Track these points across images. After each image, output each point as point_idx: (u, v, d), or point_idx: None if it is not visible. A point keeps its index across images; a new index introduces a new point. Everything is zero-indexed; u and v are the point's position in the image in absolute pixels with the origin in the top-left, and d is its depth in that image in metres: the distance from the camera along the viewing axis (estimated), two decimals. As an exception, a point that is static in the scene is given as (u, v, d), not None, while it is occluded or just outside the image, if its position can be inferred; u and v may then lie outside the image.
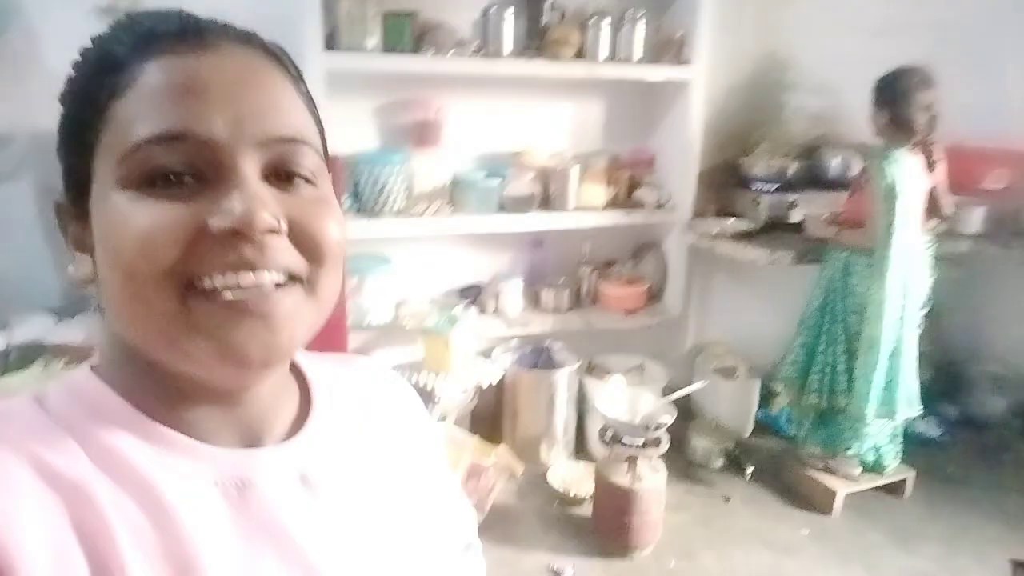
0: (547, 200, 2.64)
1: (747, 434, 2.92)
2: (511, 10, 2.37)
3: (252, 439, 0.47)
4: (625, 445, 2.22)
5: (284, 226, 0.40)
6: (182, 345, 0.40)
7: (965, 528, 2.48)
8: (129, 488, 0.39)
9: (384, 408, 0.57)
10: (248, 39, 0.43)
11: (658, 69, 2.59)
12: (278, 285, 0.41)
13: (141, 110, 0.39)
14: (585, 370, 2.82)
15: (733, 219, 2.79)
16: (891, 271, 2.24)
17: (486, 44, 2.39)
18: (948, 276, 2.87)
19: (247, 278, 0.39)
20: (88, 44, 0.43)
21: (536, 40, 2.48)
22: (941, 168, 2.36)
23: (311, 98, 0.47)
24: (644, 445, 2.22)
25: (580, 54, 2.51)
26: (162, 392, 0.43)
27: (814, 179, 2.89)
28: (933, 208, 2.38)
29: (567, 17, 2.54)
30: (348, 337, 2.18)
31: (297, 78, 0.46)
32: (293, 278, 0.42)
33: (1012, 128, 2.92)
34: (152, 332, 0.40)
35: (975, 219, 2.83)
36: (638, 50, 2.55)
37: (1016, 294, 3.12)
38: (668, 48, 2.62)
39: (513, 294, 2.70)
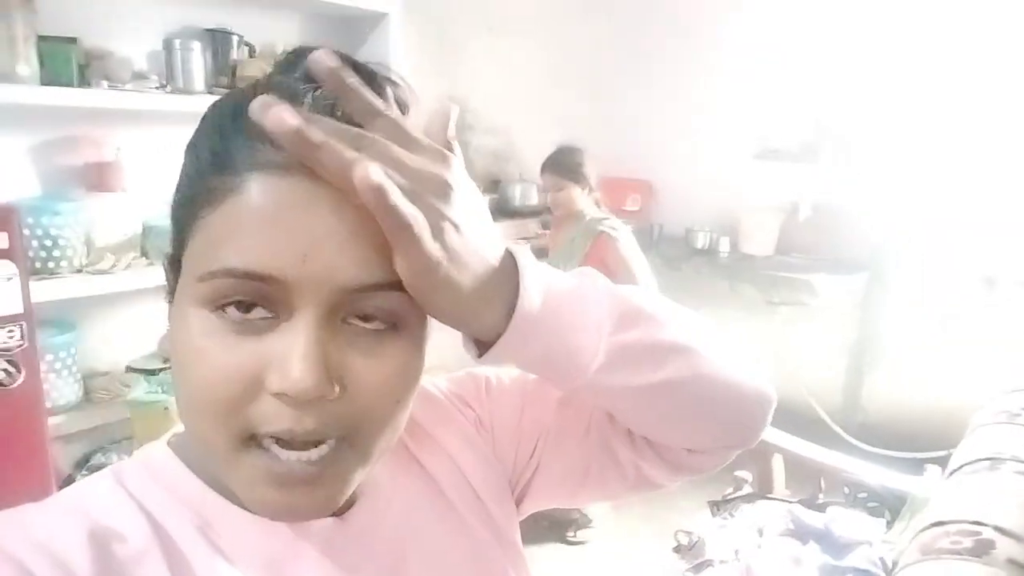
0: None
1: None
2: (197, 44, 2.21)
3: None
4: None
5: (337, 390, 0.37)
6: (234, 483, 0.40)
7: (657, 493, 2.98)
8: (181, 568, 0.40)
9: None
10: None
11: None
12: (325, 445, 0.39)
13: (233, 231, 0.36)
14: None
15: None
16: None
17: (172, 79, 2.19)
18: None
19: (293, 451, 0.38)
20: (221, 103, 0.41)
21: (227, 76, 2.35)
22: None
23: None
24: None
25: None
26: None
27: (500, 209, 3.24)
28: None
29: (257, 54, 2.46)
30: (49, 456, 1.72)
31: None
32: (343, 439, 0.39)
33: (637, 163, 3.67)
34: (209, 453, 0.40)
35: (622, 235, 3.47)
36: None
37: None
38: (363, 89, 2.71)
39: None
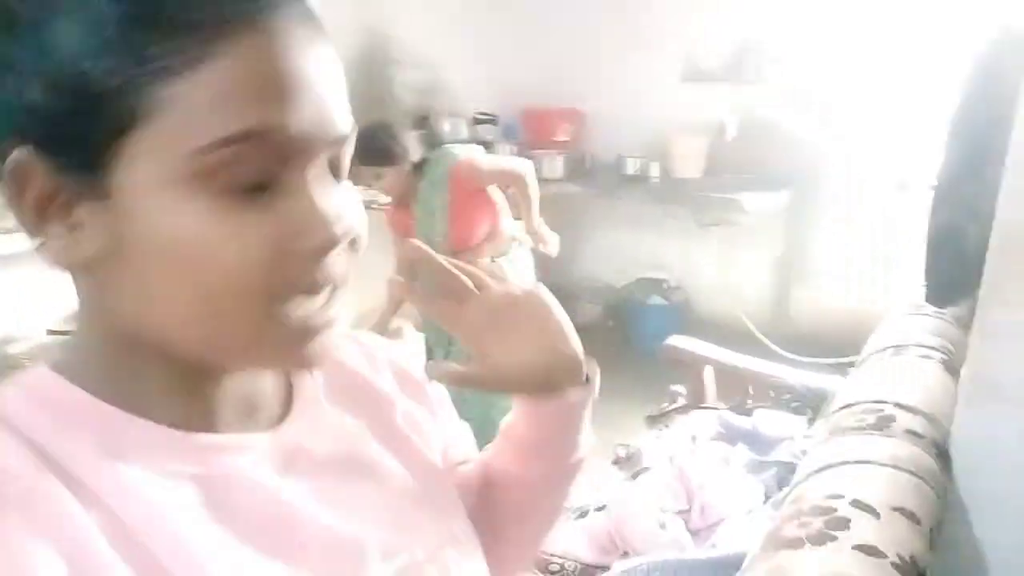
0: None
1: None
2: None
3: (245, 422, 0.43)
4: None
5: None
6: (251, 356, 0.39)
7: (599, 411, 3.01)
8: (96, 494, 0.35)
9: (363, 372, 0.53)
10: (310, 12, 0.37)
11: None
12: (327, 291, 0.39)
13: (216, 100, 0.32)
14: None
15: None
16: None
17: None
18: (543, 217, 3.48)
19: (321, 299, 0.38)
20: None
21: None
22: None
23: None
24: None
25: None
26: (158, 383, 0.40)
27: (431, 144, 3.18)
28: None
29: None
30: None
31: None
32: (335, 286, 0.40)
33: (566, 91, 3.63)
34: (217, 343, 0.37)
35: (557, 167, 3.47)
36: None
37: (590, 223, 3.93)
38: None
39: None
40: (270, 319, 0.36)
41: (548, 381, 0.51)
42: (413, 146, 2.19)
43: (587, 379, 0.54)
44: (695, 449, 1.79)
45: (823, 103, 3.08)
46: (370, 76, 3.09)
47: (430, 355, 2.52)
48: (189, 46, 0.32)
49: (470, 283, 0.51)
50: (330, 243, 0.36)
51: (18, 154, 0.33)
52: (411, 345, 2.96)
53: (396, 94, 3.20)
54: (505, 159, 2.24)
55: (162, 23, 0.32)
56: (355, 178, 1.71)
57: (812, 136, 3.14)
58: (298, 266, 0.36)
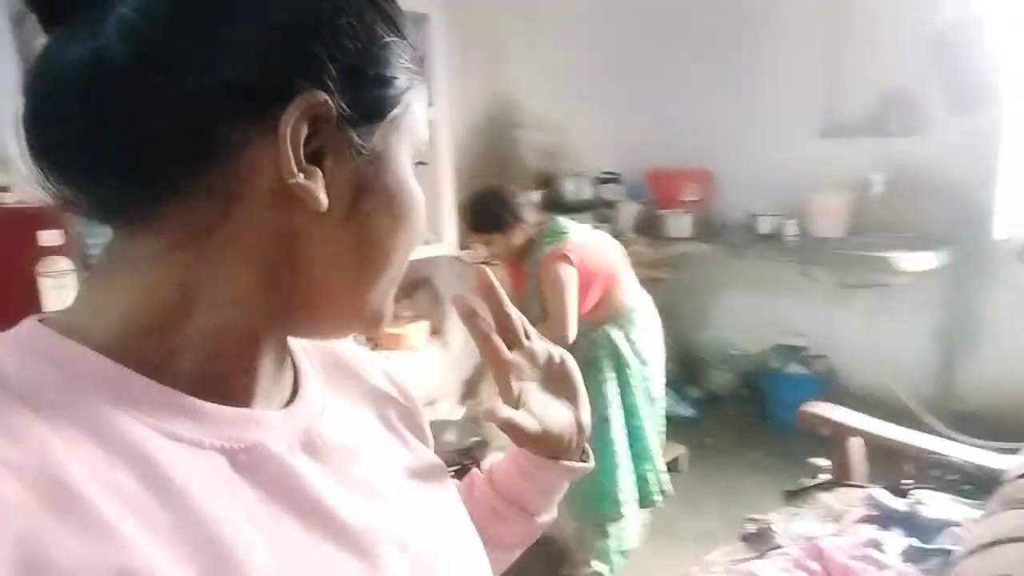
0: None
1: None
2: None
3: (266, 401, 0.42)
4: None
5: None
6: (356, 325, 0.43)
7: (733, 485, 2.85)
8: (123, 465, 0.33)
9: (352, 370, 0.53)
10: None
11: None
12: None
13: (420, 119, 0.43)
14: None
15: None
16: None
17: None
18: (672, 277, 3.37)
19: None
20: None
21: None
22: None
23: None
24: (457, 474, 2.18)
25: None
26: (204, 359, 0.38)
27: (555, 205, 3.19)
28: None
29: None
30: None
31: None
32: None
33: (693, 151, 3.56)
34: (358, 310, 0.42)
35: (684, 226, 3.36)
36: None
37: (723, 285, 3.75)
38: (409, 91, 2.73)
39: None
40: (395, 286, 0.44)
41: (567, 447, 0.55)
42: (528, 211, 2.19)
43: (586, 454, 0.59)
44: (840, 530, 1.56)
45: (980, 154, 2.77)
46: (495, 139, 3.18)
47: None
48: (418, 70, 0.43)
49: (521, 331, 0.56)
50: None
51: (317, 96, 0.36)
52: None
53: (521, 156, 3.27)
54: (571, 301, 2.06)
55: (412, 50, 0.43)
56: (467, 243, 1.73)
57: (976, 189, 2.82)
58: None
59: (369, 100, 0.39)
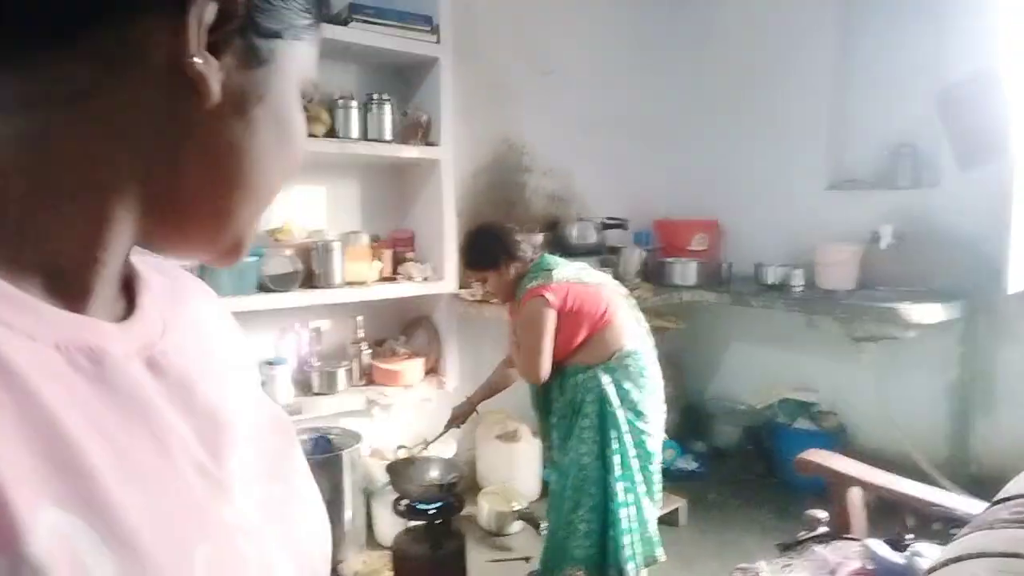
0: (310, 277, 2.54)
1: (536, 495, 2.94)
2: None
3: (95, 314, 0.37)
4: (420, 512, 2.10)
5: None
6: (225, 243, 0.40)
7: (731, 541, 2.72)
8: None
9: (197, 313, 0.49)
10: None
11: (410, 148, 2.72)
12: None
13: (314, 60, 0.43)
14: (369, 453, 2.66)
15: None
16: None
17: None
18: (677, 327, 3.31)
19: None
20: None
21: (285, 119, 2.48)
22: None
23: None
24: (440, 511, 2.12)
25: (331, 134, 2.55)
26: (52, 252, 0.35)
27: (560, 247, 3.19)
28: None
29: (314, 100, 2.58)
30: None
31: None
32: None
33: (702, 203, 3.56)
34: (228, 225, 0.40)
35: (690, 274, 3.33)
36: (387, 131, 2.66)
37: (729, 335, 3.68)
38: (415, 131, 2.78)
39: (282, 380, 2.50)
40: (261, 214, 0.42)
41: None
42: (523, 248, 2.18)
43: None
44: (831, 582, 1.47)
45: (998, 206, 2.72)
46: (502, 182, 3.21)
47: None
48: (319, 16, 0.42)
49: None
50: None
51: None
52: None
53: (527, 200, 3.28)
54: (541, 339, 2.04)
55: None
56: (466, 281, 1.72)
57: (987, 242, 2.76)
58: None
59: (276, 14, 0.38)
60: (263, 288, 2.40)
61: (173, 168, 0.36)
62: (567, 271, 2.15)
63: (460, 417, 2.42)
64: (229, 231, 0.40)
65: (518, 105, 3.22)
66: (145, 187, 0.36)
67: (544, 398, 2.21)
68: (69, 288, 0.35)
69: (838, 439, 3.10)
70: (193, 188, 0.37)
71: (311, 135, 2.44)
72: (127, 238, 0.37)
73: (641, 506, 2.10)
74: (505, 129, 3.20)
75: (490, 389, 2.43)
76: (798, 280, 3.09)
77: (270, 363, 2.51)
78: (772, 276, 3.14)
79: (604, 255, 3.23)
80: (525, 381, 2.20)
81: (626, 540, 2.05)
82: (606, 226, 3.24)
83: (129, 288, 0.41)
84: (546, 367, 2.05)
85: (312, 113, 2.48)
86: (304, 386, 2.63)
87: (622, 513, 2.06)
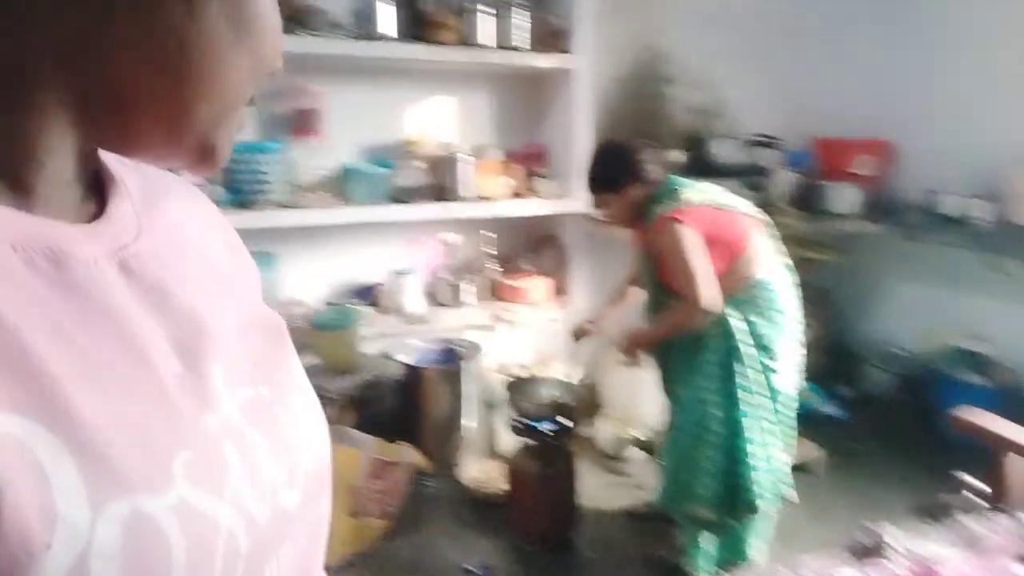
0: (441, 191, 2.56)
1: (658, 425, 2.88)
2: (387, -5, 2.32)
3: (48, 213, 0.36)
4: (535, 431, 2.12)
5: None
6: (191, 146, 0.38)
7: (872, 498, 2.52)
8: None
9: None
10: None
11: (543, 56, 2.59)
12: None
13: None
14: (494, 368, 2.72)
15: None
16: None
17: (363, 27, 2.32)
18: (831, 260, 3.01)
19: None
20: None
21: (417, 27, 2.44)
22: None
23: None
24: (555, 432, 2.13)
25: (462, 43, 2.48)
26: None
27: (701, 167, 2.97)
28: None
29: (446, 5, 2.51)
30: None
31: None
32: None
33: (870, 119, 3.13)
34: (182, 123, 0.36)
35: (851, 202, 2.98)
36: (521, 39, 2.55)
37: (892, 273, 3.29)
38: (550, 38, 2.64)
39: (411, 291, 2.58)
40: (239, 111, 0.39)
41: None
42: (650, 170, 2.02)
43: None
44: (971, 558, 1.30)
45: None
46: (642, 93, 3.00)
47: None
48: None
49: None
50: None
51: None
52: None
53: (668, 113, 3.06)
54: (695, 260, 1.84)
55: None
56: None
57: None
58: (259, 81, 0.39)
59: None
60: (394, 199, 2.45)
61: (98, 54, 0.33)
62: (698, 193, 1.98)
63: (578, 333, 2.37)
64: (188, 131, 0.37)
65: (664, 7, 2.95)
66: (74, 77, 0.33)
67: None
68: (11, 187, 0.33)
69: (1012, 398, 2.72)
70: (128, 79, 0.34)
71: (439, 42, 2.39)
72: (68, 135, 0.34)
73: (767, 443, 1.98)
74: (648, 35, 2.95)
75: (611, 305, 2.35)
76: (982, 213, 2.66)
77: (399, 273, 2.59)
78: (950, 207, 2.73)
79: (751, 176, 2.97)
80: (693, 324, 1.90)
81: (753, 478, 1.95)
82: (756, 144, 2.96)
83: (103, 192, 0.39)
84: (712, 291, 1.84)
85: (439, 19, 2.42)
86: (431, 297, 2.71)
87: (748, 450, 1.95)
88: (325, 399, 1.95)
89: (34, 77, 0.32)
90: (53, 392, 0.29)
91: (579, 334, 2.36)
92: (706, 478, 1.96)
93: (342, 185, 2.42)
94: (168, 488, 0.31)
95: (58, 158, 0.35)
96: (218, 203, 1.77)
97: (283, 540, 0.39)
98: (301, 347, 1.99)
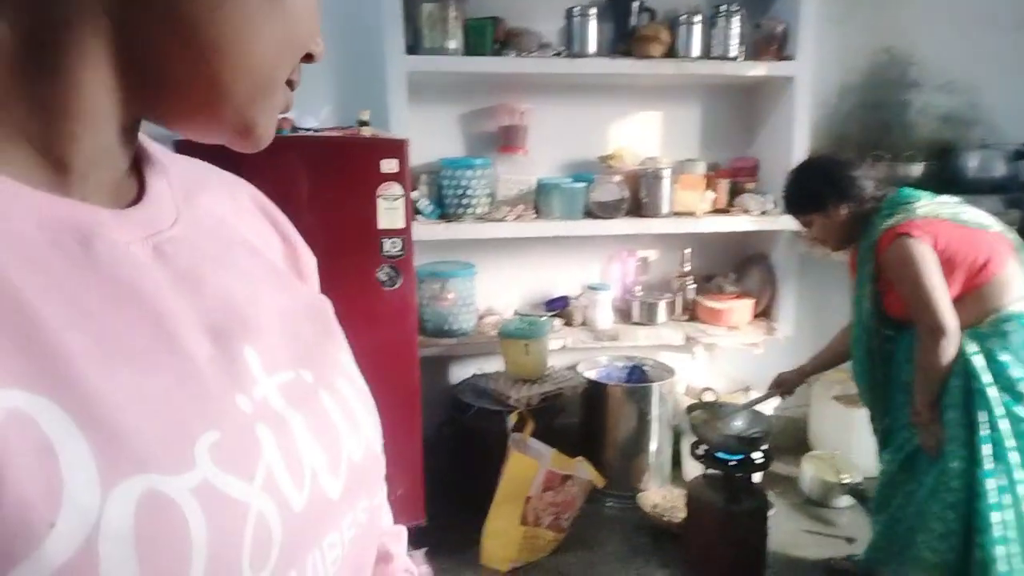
0: (638, 206, 2.51)
1: (872, 470, 2.53)
2: (594, 10, 2.34)
3: (97, 199, 0.37)
4: (720, 461, 1.98)
5: None
6: (229, 122, 0.38)
7: None
8: None
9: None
10: None
11: (758, 65, 2.43)
12: None
13: None
14: (684, 391, 2.60)
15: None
16: None
17: (570, 45, 2.36)
18: None
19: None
20: None
21: (624, 43, 2.43)
22: None
23: None
24: (740, 464, 1.96)
25: (671, 54, 2.41)
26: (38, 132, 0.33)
27: (945, 181, 2.56)
28: None
29: (657, 18, 2.46)
30: (417, 345, 2.08)
31: None
32: None
33: None
34: (206, 97, 0.37)
35: None
36: (734, 47, 2.41)
37: None
38: (768, 44, 2.47)
39: (603, 306, 2.57)
40: (277, 90, 0.39)
41: None
42: (862, 186, 1.77)
43: None
44: None
45: None
46: (879, 100, 2.68)
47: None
48: None
49: None
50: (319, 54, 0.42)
51: None
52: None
53: (909, 122, 2.69)
54: (930, 278, 1.60)
55: None
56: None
57: None
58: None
59: None
60: (589, 214, 2.45)
61: (136, 28, 0.33)
62: (936, 206, 1.71)
63: (786, 385, 2.10)
64: (223, 105, 0.37)
65: (908, 7, 2.61)
66: (112, 49, 0.33)
67: (869, 361, 1.83)
68: (48, 164, 0.33)
69: None
70: (163, 52, 0.34)
71: (648, 56, 2.35)
72: (107, 109, 0.34)
73: (1022, 511, 1.63)
74: (886, 36, 2.63)
75: (829, 358, 2.05)
76: None
77: (592, 288, 2.59)
78: None
79: (1015, 192, 2.50)
80: (943, 359, 1.64)
81: (1000, 552, 1.62)
82: (1020, 155, 2.49)
83: (144, 178, 0.40)
84: (948, 314, 1.61)
85: (651, 32, 2.38)
86: (624, 314, 2.66)
87: (995, 517, 1.62)
88: (506, 406, 2.00)
89: (77, 47, 0.33)
90: (67, 368, 0.28)
91: (785, 390, 2.10)
92: (938, 542, 1.67)
93: (539, 199, 2.48)
94: (189, 469, 0.31)
95: (97, 133, 0.35)
96: (425, 215, 1.91)
97: (326, 530, 0.38)
98: (489, 353, 2.04)
